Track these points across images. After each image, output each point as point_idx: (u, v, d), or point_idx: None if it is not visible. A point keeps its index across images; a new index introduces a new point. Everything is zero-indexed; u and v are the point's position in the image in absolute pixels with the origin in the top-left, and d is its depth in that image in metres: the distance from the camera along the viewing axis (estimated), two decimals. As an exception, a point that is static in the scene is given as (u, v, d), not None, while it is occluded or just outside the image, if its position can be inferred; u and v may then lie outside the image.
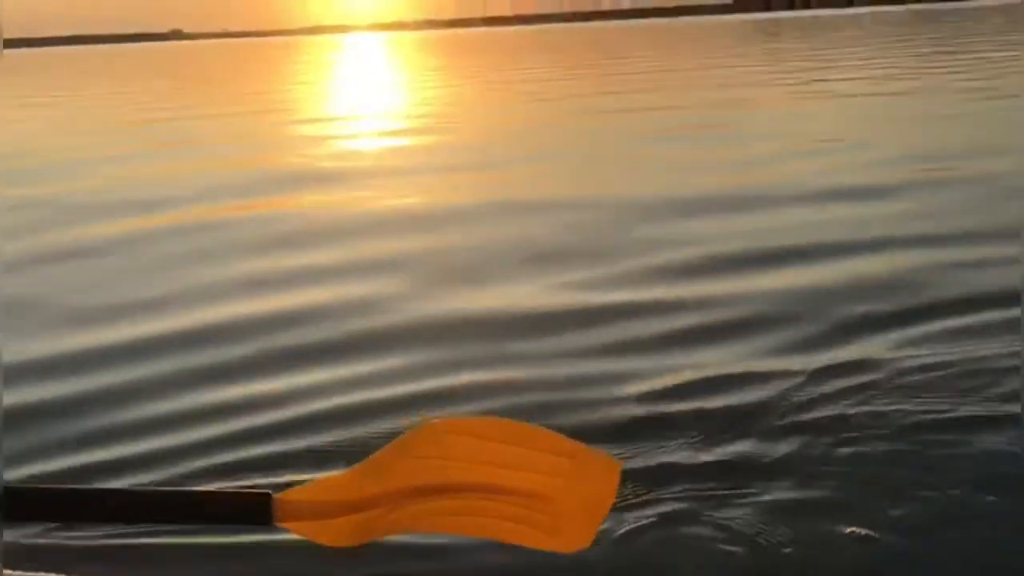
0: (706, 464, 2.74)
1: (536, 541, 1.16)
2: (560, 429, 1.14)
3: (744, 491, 2.56)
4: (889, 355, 3.47)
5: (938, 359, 3.39)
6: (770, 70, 22.83)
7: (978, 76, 15.73)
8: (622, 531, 2.38)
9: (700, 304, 4.26)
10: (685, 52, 38.38)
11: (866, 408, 3.03)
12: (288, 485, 1.22)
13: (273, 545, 2.31)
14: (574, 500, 1.12)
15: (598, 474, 1.13)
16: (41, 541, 2.37)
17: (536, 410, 3.18)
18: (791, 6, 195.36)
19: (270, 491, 1.14)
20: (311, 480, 1.19)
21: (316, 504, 1.14)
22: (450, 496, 1.12)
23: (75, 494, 1.31)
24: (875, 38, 39.50)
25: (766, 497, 2.52)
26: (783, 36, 51.04)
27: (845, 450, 2.78)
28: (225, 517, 1.24)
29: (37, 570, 1.55)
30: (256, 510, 1.14)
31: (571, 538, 1.14)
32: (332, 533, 1.16)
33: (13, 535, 1.54)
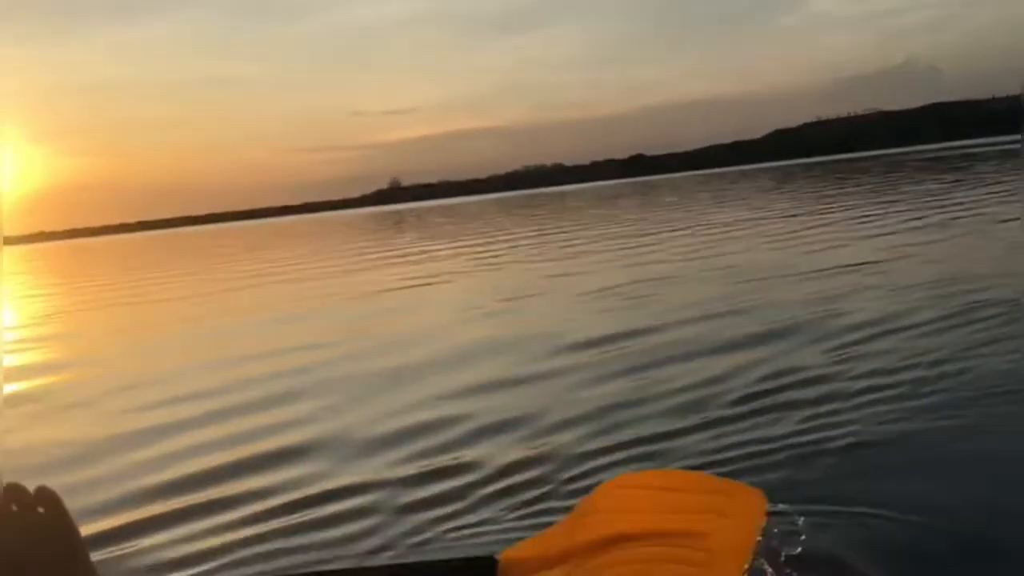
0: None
1: None
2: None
3: None
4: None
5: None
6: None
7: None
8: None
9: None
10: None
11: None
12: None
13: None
14: (727, 533, 1.23)
15: (747, 505, 1.27)
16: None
17: None
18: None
19: (493, 554, 1.29)
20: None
21: (532, 561, 1.28)
22: (627, 545, 1.23)
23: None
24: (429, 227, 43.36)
25: None
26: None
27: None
28: None
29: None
30: (483, 572, 1.27)
31: (723, 570, 1.21)
32: None
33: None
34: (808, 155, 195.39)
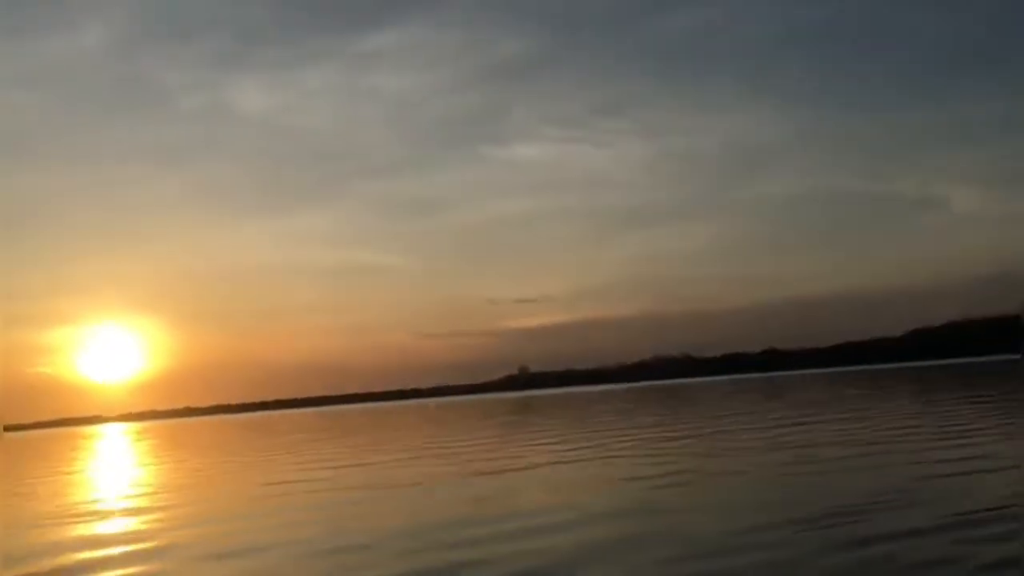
0: None
1: None
2: None
3: None
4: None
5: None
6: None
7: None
8: None
9: None
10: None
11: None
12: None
13: None
14: None
15: None
16: None
17: None
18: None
19: None
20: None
21: None
22: None
23: None
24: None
25: None
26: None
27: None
28: None
29: None
30: None
31: None
32: None
33: None
34: (949, 356, 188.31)
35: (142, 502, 19.23)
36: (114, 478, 29.79)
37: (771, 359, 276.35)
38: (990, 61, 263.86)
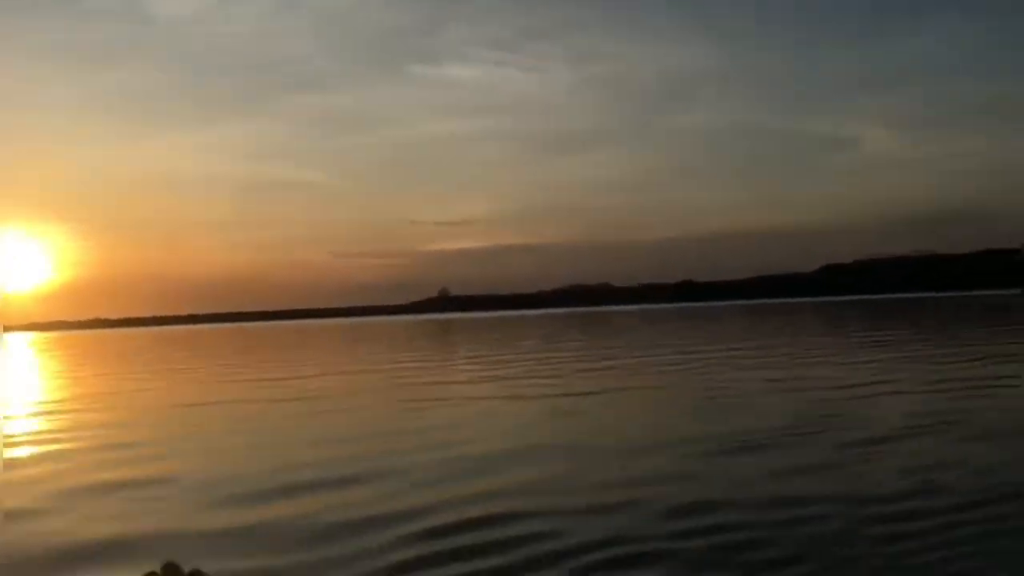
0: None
1: None
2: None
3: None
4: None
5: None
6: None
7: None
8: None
9: None
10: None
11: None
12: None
13: None
14: None
15: None
16: None
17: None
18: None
19: None
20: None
21: None
22: None
23: None
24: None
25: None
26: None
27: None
28: None
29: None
30: None
31: None
32: None
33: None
34: (857, 292, 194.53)
35: (42, 416, 18.51)
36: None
37: (687, 290, 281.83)
38: (911, 7, 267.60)
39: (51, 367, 43.45)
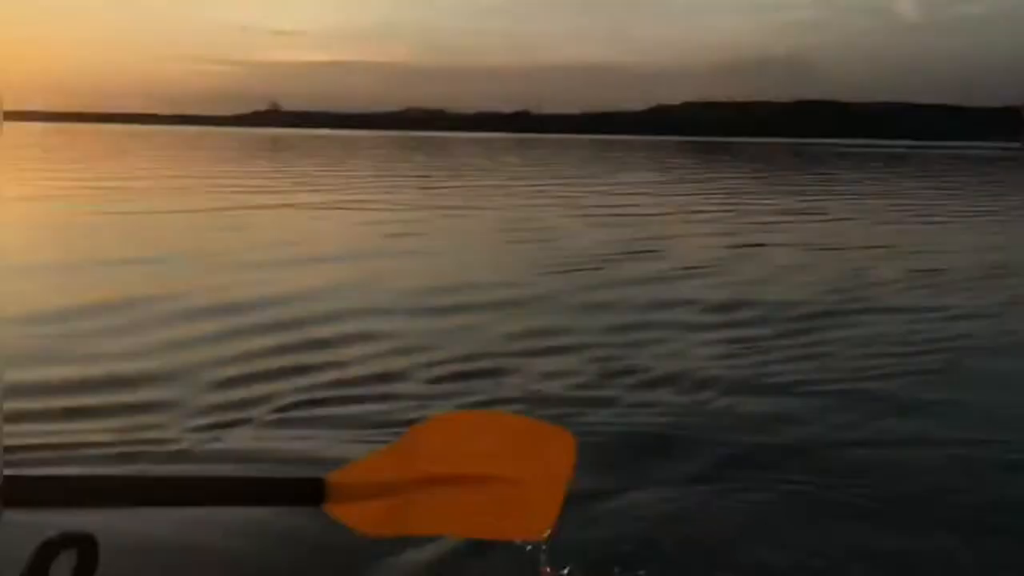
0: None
1: (509, 531, 1.38)
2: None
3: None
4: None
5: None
6: None
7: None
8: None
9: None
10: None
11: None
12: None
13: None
14: (538, 482, 1.33)
15: (555, 450, 1.35)
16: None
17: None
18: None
19: (322, 476, 1.28)
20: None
21: (359, 487, 1.29)
22: (450, 488, 1.31)
23: (127, 481, 1.43)
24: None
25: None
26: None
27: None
28: (282, 500, 1.38)
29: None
30: (310, 493, 1.28)
31: (537, 522, 1.34)
32: (371, 522, 1.30)
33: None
34: (684, 133, 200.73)
35: None
36: None
37: (523, 121, 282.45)
38: None
39: None
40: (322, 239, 11.54)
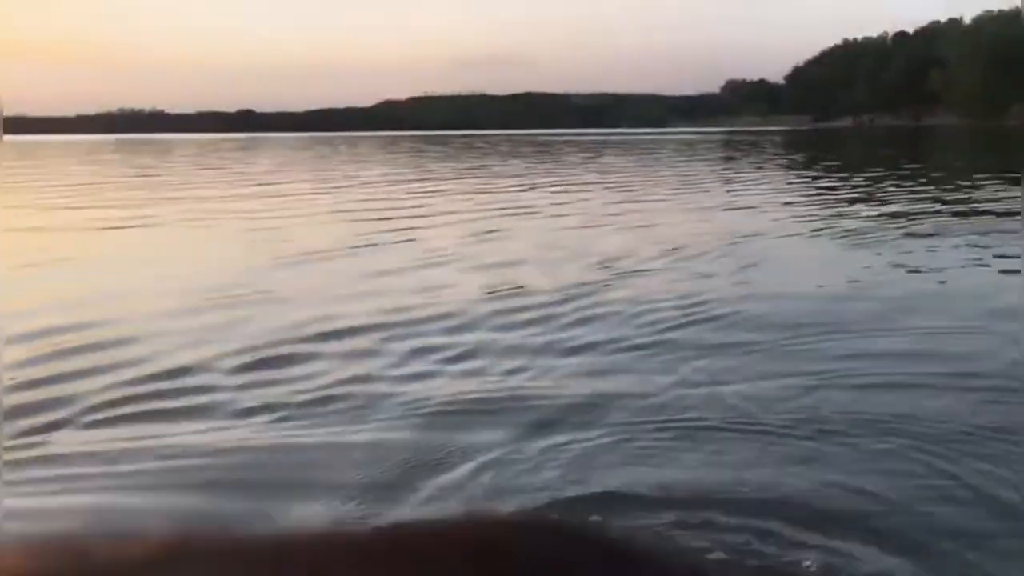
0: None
1: None
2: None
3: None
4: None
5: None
6: None
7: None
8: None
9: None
10: None
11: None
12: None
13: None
14: None
15: None
16: None
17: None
18: None
19: None
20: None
21: None
22: None
23: None
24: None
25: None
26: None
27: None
28: None
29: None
30: None
31: None
32: None
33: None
34: (415, 128, 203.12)
35: None
36: None
37: (247, 120, 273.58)
38: None
39: None
40: None
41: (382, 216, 13.25)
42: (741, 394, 3.82)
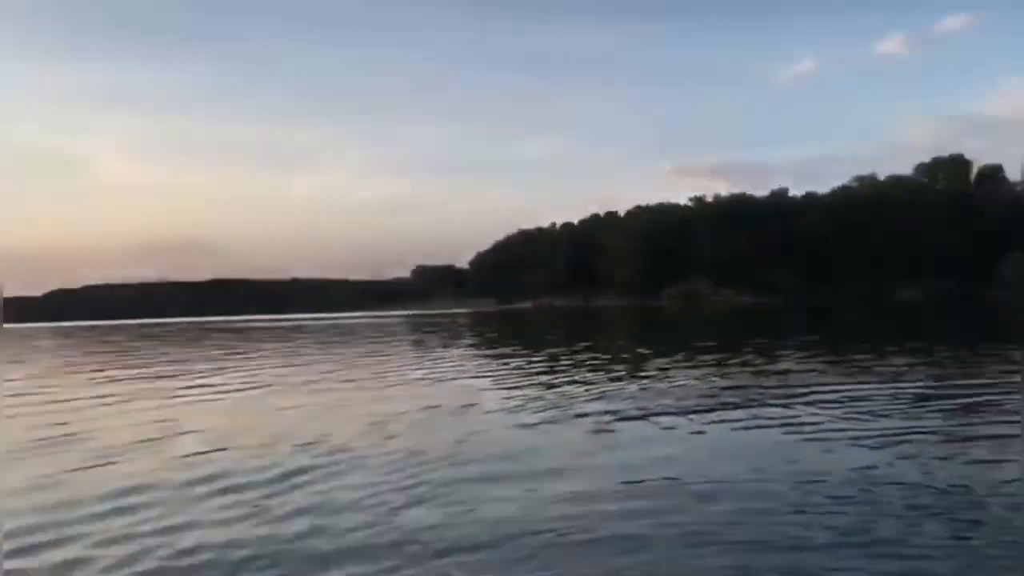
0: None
1: None
2: None
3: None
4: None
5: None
6: None
7: None
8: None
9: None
10: None
11: None
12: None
13: None
14: None
15: None
16: None
17: None
18: None
19: None
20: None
21: None
22: None
23: None
24: None
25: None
26: None
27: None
28: None
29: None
30: None
31: None
32: None
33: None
34: (87, 317, 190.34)
35: None
36: None
37: None
38: (143, 29, 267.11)
39: None
40: None
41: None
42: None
